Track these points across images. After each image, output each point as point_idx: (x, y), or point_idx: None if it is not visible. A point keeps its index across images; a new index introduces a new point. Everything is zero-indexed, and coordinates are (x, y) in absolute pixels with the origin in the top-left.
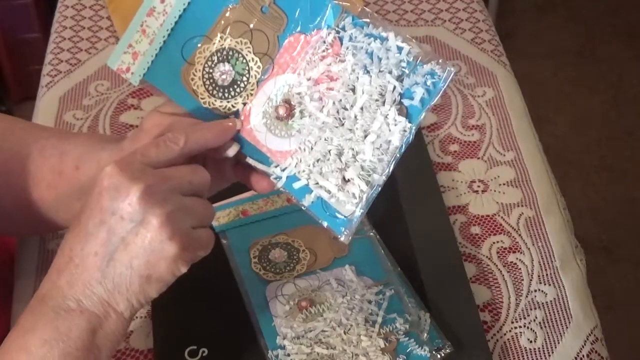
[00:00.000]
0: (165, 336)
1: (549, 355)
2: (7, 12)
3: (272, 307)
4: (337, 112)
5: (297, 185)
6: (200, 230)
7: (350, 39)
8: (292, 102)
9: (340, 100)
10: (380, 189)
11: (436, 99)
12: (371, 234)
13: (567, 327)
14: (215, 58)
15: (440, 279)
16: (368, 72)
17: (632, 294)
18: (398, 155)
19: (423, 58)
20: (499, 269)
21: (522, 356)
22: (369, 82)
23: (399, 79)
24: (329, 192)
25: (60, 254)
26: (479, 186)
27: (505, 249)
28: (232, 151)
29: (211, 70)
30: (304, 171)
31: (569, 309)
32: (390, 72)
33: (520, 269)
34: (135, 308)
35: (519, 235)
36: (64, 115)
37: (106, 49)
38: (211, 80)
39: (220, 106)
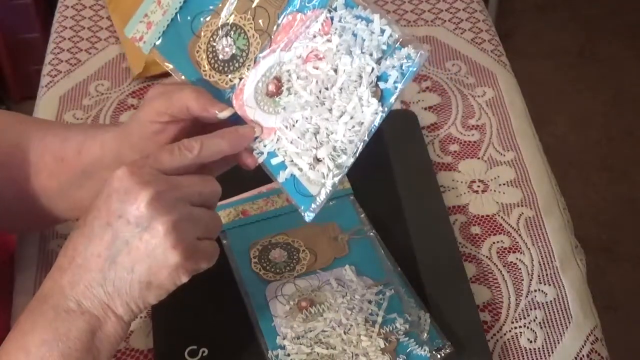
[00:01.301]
0: (165, 336)
1: (549, 355)
2: (7, 12)
3: (272, 307)
4: (320, 91)
5: (274, 161)
6: (206, 241)
7: (340, 20)
8: (282, 80)
9: (323, 80)
10: (347, 170)
11: (408, 82)
12: (371, 234)
13: (567, 327)
14: (219, 32)
15: (440, 279)
16: (351, 52)
17: (632, 294)
18: (366, 138)
19: (404, 41)
20: (499, 269)
21: (522, 356)
22: (350, 63)
23: (379, 61)
24: (301, 170)
25: (64, 253)
26: (479, 186)
27: (505, 249)
28: (225, 113)
29: (215, 44)
30: (282, 148)
31: (569, 309)
32: (371, 54)
33: (520, 269)
34: (135, 313)
35: (519, 235)
36: (64, 115)
37: (106, 49)
38: (214, 54)
39: (219, 79)
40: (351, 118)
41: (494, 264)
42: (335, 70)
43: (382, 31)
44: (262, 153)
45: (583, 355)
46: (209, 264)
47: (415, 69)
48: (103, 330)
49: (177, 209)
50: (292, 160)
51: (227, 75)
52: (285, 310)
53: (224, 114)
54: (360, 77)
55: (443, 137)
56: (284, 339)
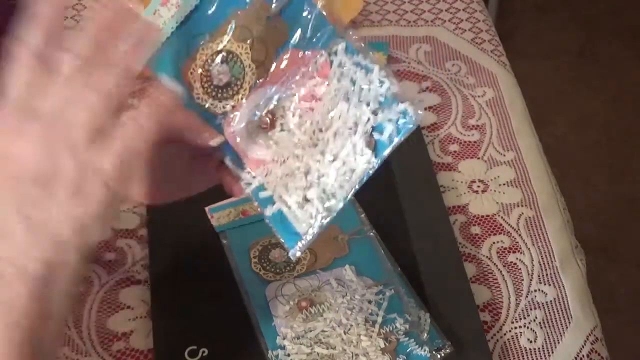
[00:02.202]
0: (165, 336)
1: (549, 355)
2: (7, 12)
3: (272, 307)
4: (313, 132)
5: (262, 194)
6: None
7: (340, 65)
8: (276, 114)
9: (318, 121)
10: (335, 214)
11: (402, 138)
12: (371, 234)
13: (567, 327)
14: (216, 58)
15: (440, 279)
16: (348, 99)
17: (633, 294)
18: (357, 186)
19: (401, 97)
20: (499, 269)
21: (522, 356)
22: (347, 109)
23: (375, 112)
24: (289, 207)
25: None
26: (479, 186)
27: (505, 249)
28: (216, 140)
29: (210, 69)
30: (271, 182)
31: (569, 309)
32: (367, 104)
33: (520, 269)
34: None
35: (519, 235)
36: None
37: None
38: (208, 78)
39: (211, 105)
40: (343, 164)
41: (494, 264)
42: (331, 115)
43: (381, 83)
44: (250, 184)
45: (583, 355)
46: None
47: (411, 127)
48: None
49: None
50: (280, 196)
51: (221, 102)
52: (285, 310)
53: (215, 141)
54: (356, 124)
55: (443, 137)
56: (284, 339)
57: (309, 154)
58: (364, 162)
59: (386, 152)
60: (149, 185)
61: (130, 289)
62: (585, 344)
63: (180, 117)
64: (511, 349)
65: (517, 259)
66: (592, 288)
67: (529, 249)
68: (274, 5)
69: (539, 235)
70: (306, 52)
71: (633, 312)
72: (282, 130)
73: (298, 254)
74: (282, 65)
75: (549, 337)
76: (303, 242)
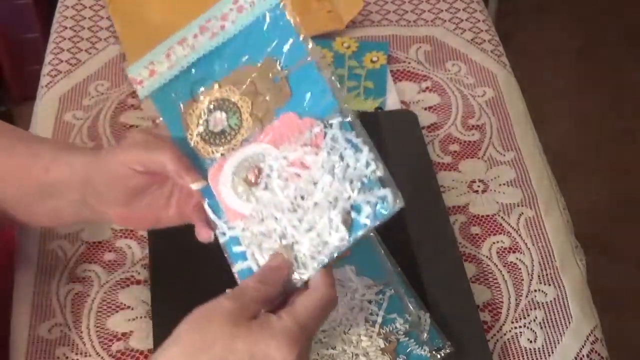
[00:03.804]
0: (165, 336)
1: (549, 355)
2: (7, 12)
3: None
4: (295, 198)
5: (236, 249)
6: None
7: (333, 138)
8: (262, 172)
9: (302, 188)
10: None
11: (377, 224)
12: (371, 234)
13: (567, 327)
14: (216, 104)
15: (440, 279)
16: (334, 173)
17: (632, 294)
18: (327, 260)
19: (385, 182)
20: (499, 269)
21: (522, 356)
22: (330, 183)
23: (357, 191)
24: (259, 266)
25: None
26: (479, 186)
27: (505, 249)
28: (198, 185)
29: (209, 113)
30: (246, 238)
31: (569, 309)
32: (351, 182)
33: (520, 269)
34: None
35: (519, 235)
36: (64, 115)
37: (106, 49)
38: (205, 122)
39: (202, 148)
40: (318, 235)
41: (494, 264)
42: (315, 185)
43: (368, 164)
44: (224, 234)
45: (583, 355)
46: None
47: (387, 213)
48: None
49: None
50: (253, 254)
51: (211, 147)
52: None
53: (197, 185)
54: (336, 199)
55: (443, 137)
56: None
57: (287, 218)
58: (337, 239)
59: (360, 233)
60: (123, 205)
61: (130, 289)
62: (585, 344)
63: (168, 153)
64: (511, 349)
65: (517, 259)
66: (592, 288)
67: (529, 249)
68: (283, 69)
69: (539, 235)
70: (303, 118)
71: (633, 312)
72: (265, 188)
73: None
74: (278, 126)
75: (549, 337)
76: None
